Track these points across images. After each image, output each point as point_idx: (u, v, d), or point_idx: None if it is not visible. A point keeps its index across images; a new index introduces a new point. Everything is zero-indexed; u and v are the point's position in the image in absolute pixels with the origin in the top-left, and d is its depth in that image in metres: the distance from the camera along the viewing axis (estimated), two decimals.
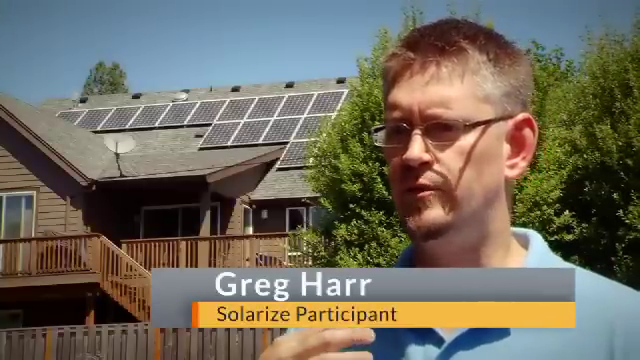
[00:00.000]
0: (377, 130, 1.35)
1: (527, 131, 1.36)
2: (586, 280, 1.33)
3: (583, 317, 1.27)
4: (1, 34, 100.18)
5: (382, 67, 1.37)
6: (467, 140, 1.29)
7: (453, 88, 1.30)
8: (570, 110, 17.10)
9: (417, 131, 1.29)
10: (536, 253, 1.37)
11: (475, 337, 1.28)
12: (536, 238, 1.40)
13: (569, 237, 15.66)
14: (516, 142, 1.35)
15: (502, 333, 1.28)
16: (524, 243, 1.39)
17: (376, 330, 1.33)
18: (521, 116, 1.35)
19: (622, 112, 16.14)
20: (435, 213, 1.29)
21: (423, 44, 1.32)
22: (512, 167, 1.35)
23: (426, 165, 1.29)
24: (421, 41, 1.33)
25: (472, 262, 1.33)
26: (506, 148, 1.34)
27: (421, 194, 1.29)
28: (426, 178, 1.29)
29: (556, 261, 1.38)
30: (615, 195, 15.69)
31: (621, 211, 15.52)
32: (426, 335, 1.30)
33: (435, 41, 1.32)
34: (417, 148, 1.28)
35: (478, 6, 17.21)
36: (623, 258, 15.48)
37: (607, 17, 23.39)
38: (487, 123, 1.31)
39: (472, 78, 1.31)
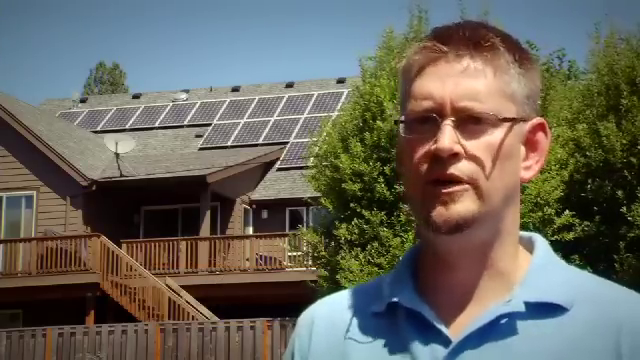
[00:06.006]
0: (400, 122, 1.33)
1: (541, 135, 1.36)
2: (589, 282, 1.35)
3: (588, 318, 1.29)
4: (1, 34, 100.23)
5: (407, 60, 1.35)
6: (495, 136, 1.29)
7: (485, 82, 1.30)
8: (574, 109, 17.11)
9: (448, 122, 1.28)
10: (541, 256, 1.37)
11: (482, 336, 1.28)
12: (541, 241, 1.40)
13: (570, 236, 15.65)
14: (531, 145, 1.36)
15: (509, 332, 1.28)
16: (528, 246, 1.39)
17: (380, 330, 1.34)
18: (536, 120, 1.36)
19: (628, 110, 16.17)
20: (463, 207, 1.28)
21: (456, 38, 1.31)
22: (527, 169, 1.36)
23: (456, 157, 1.28)
24: (454, 35, 1.32)
25: (484, 260, 1.33)
26: (522, 150, 1.35)
27: (449, 189, 1.28)
28: (456, 169, 1.28)
29: (560, 264, 1.38)
30: (619, 193, 15.70)
31: (624, 209, 15.52)
32: (432, 335, 1.30)
33: (469, 36, 1.31)
34: (448, 139, 1.27)
35: (487, 5, 17.16)
36: (625, 256, 15.48)
37: (614, 15, 23.38)
38: (513, 121, 1.31)
39: (502, 75, 1.31)
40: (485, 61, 1.30)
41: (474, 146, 1.28)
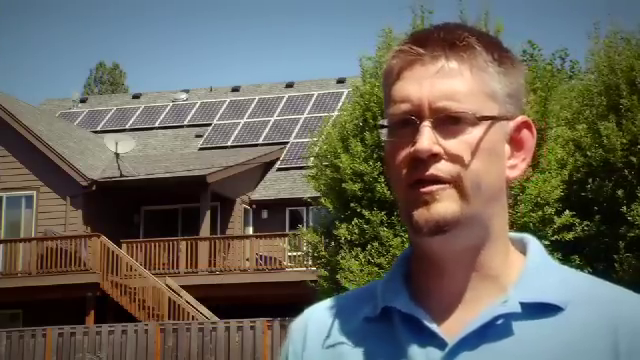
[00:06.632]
0: (382, 127, 1.34)
1: (526, 133, 1.36)
2: (584, 282, 1.34)
3: (585, 318, 1.28)
4: (1, 34, 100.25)
5: (386, 64, 1.35)
6: (474, 134, 1.29)
7: (462, 82, 1.29)
8: (574, 109, 17.12)
9: (426, 123, 1.28)
10: (534, 257, 1.36)
11: (478, 338, 1.28)
12: (533, 242, 1.39)
13: (570, 236, 15.64)
14: (516, 143, 1.35)
15: (505, 333, 1.28)
16: (521, 247, 1.39)
17: (377, 332, 1.34)
18: (520, 118, 1.35)
19: (628, 109, 16.19)
20: (444, 207, 1.28)
21: (432, 40, 1.32)
22: (512, 168, 1.35)
23: (435, 157, 1.28)
24: (429, 37, 1.32)
25: (474, 263, 1.32)
26: (507, 149, 1.34)
27: (429, 188, 1.28)
28: (436, 169, 1.28)
29: (553, 265, 1.37)
30: (619, 192, 15.70)
31: (624, 208, 15.51)
32: (427, 339, 1.30)
33: (444, 37, 1.32)
34: (427, 140, 1.27)
35: (487, 5, 17.11)
36: (625, 256, 15.47)
37: (615, 15, 23.34)
38: (494, 119, 1.30)
39: (480, 74, 1.30)
40: (461, 61, 1.30)
41: (454, 145, 1.28)
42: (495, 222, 1.33)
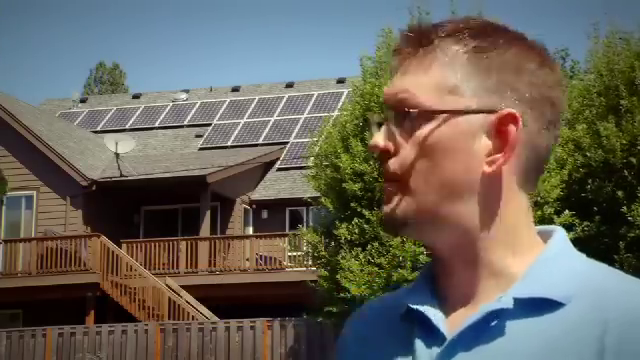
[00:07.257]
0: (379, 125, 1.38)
1: (511, 127, 1.31)
2: (598, 274, 1.31)
3: (582, 311, 1.25)
4: (1, 34, 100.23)
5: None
6: (423, 129, 1.29)
7: (415, 79, 1.31)
8: (574, 109, 17.11)
9: (384, 120, 1.33)
10: (550, 250, 1.33)
11: (475, 335, 1.27)
12: (557, 234, 1.37)
13: (570, 236, 15.61)
14: (500, 137, 1.31)
15: (499, 329, 1.27)
16: (547, 239, 1.36)
17: (400, 330, 1.36)
18: (505, 111, 1.30)
19: (627, 110, 16.19)
20: (393, 205, 1.31)
21: (404, 39, 1.35)
22: (491, 163, 1.31)
23: (388, 153, 1.31)
24: (404, 36, 1.36)
25: (478, 261, 1.32)
26: (486, 143, 1.30)
27: (385, 187, 1.33)
28: (389, 165, 1.32)
29: (572, 257, 1.35)
30: (619, 193, 15.70)
31: (625, 209, 15.52)
32: (434, 336, 1.31)
33: (415, 34, 1.34)
34: (378, 136, 1.32)
35: (480, 6, 17.14)
36: (626, 256, 15.48)
37: (613, 15, 23.35)
38: (449, 113, 1.29)
39: (440, 70, 1.30)
40: (421, 58, 1.32)
41: (405, 142, 1.30)
42: (473, 218, 1.30)
